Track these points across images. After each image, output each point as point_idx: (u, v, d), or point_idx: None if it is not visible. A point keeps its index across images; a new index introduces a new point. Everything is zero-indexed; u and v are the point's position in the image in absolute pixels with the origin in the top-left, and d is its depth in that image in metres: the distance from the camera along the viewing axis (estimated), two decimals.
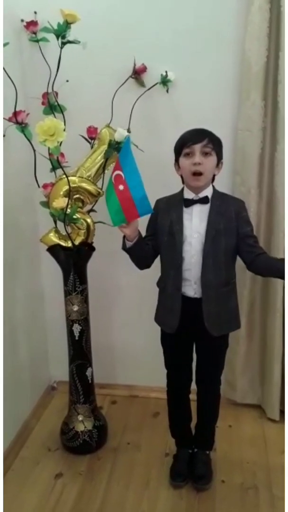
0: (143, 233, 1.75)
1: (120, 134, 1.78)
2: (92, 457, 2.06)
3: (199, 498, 1.84)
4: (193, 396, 1.93)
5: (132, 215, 1.58)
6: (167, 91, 2.01)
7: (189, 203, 1.67)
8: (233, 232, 1.66)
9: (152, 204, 1.75)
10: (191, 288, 1.69)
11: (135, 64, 1.97)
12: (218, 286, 1.68)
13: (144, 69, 1.98)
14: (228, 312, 1.75)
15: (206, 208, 1.66)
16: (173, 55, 1.99)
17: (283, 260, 1.56)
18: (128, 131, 1.77)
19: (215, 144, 1.62)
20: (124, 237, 1.68)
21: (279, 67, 1.86)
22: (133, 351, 2.45)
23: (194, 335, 1.78)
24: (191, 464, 1.93)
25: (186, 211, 1.67)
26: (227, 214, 1.66)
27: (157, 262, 1.80)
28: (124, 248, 1.71)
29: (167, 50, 2.00)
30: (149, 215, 1.66)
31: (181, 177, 1.71)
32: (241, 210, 1.69)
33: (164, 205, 1.73)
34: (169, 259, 1.71)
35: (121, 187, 1.59)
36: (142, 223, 1.73)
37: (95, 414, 2.11)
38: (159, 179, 1.89)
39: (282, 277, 1.55)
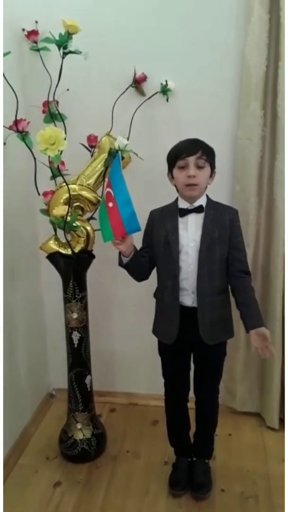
0: (139, 245, 1.76)
1: (120, 142, 1.79)
2: (91, 466, 2.05)
3: (198, 507, 1.83)
4: (191, 405, 1.93)
5: (120, 232, 1.60)
6: (167, 100, 2.02)
7: (184, 212, 1.67)
8: (227, 241, 1.67)
9: (146, 215, 1.76)
10: (189, 297, 1.69)
11: (135, 73, 1.98)
12: (213, 295, 1.68)
13: (144, 78, 2.00)
14: (222, 320, 1.74)
15: (201, 217, 1.67)
16: (173, 65, 2.01)
17: (252, 317, 1.63)
18: (118, 148, 1.78)
19: (209, 155, 1.63)
20: (119, 253, 1.69)
21: (279, 76, 1.87)
22: (132, 359, 2.44)
23: (191, 344, 1.77)
24: (191, 473, 1.92)
25: (181, 221, 1.68)
26: (221, 222, 1.66)
27: (154, 273, 1.80)
28: (120, 264, 1.72)
29: (167, 60, 2.01)
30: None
31: (175, 186, 1.71)
32: (235, 219, 1.70)
33: (159, 216, 1.74)
34: (166, 270, 1.71)
35: (110, 204, 1.61)
36: (138, 235, 1.74)
37: (94, 422, 2.10)
38: (158, 187, 1.89)
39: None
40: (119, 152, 1.74)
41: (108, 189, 1.62)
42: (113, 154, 1.82)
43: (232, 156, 2.04)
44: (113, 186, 1.60)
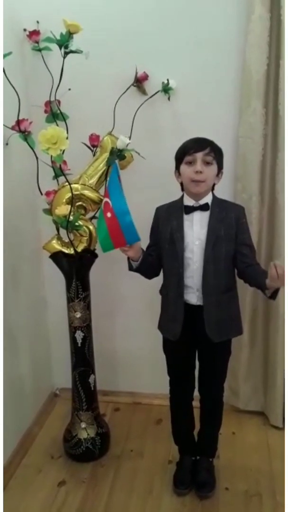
0: (145, 242, 1.77)
1: (122, 141, 1.79)
2: (95, 465, 2.06)
3: (202, 506, 1.83)
4: (196, 403, 1.93)
5: (119, 242, 1.61)
6: (169, 98, 2.02)
7: (190, 210, 1.68)
8: (233, 238, 1.67)
9: (149, 213, 1.77)
10: (194, 295, 1.70)
11: (136, 72, 1.99)
12: (219, 292, 1.68)
13: (145, 77, 2.00)
14: (229, 318, 1.75)
15: (206, 215, 1.67)
16: (175, 63, 2.01)
17: (265, 274, 1.56)
18: (121, 148, 1.78)
19: (217, 153, 1.64)
20: (128, 258, 1.71)
21: (280, 75, 1.87)
22: (136, 358, 2.45)
23: (196, 342, 1.78)
24: (194, 472, 1.93)
25: (186, 218, 1.68)
26: (227, 220, 1.67)
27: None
28: (131, 269, 1.74)
29: (169, 59, 2.01)
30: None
31: (181, 184, 1.72)
32: (241, 216, 1.70)
33: (164, 213, 1.74)
34: (171, 267, 1.72)
35: (108, 214, 1.62)
36: (145, 232, 1.75)
37: (98, 421, 2.10)
38: (160, 186, 1.91)
39: (262, 290, 1.60)
40: (116, 162, 1.74)
41: (106, 199, 1.63)
42: (115, 153, 1.82)
43: (234, 155, 2.04)
44: (110, 195, 1.61)
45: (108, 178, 1.77)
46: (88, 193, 1.84)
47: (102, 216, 1.66)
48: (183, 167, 1.64)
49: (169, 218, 1.71)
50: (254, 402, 2.34)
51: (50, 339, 2.49)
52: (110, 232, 1.62)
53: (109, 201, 1.61)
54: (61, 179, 1.82)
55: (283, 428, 2.24)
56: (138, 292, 2.26)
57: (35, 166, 1.84)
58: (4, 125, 1.77)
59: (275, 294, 1.58)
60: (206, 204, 1.67)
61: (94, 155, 1.94)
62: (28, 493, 1.91)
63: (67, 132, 1.53)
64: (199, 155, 1.60)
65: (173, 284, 1.72)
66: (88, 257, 1.93)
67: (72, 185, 1.75)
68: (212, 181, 1.67)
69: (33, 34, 1.89)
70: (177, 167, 1.69)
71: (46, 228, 2.00)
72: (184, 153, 1.63)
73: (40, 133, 1.50)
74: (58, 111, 1.88)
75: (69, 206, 1.72)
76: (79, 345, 1.99)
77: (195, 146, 1.62)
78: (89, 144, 1.94)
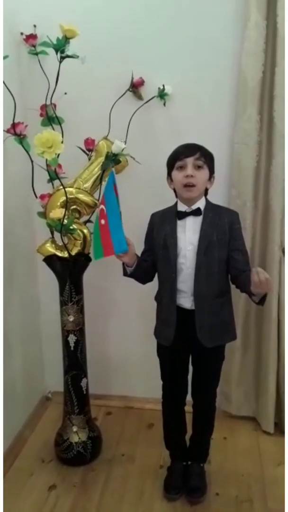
0: (139, 247, 1.77)
1: (117, 146, 1.80)
2: (86, 469, 2.05)
3: (193, 511, 1.83)
4: (188, 408, 1.93)
5: (109, 251, 1.62)
6: (164, 104, 2.03)
7: (182, 215, 1.68)
8: (226, 244, 1.67)
9: (144, 219, 1.78)
10: (189, 300, 1.70)
11: (133, 78, 1.99)
12: (211, 297, 1.69)
13: (141, 82, 2.01)
14: (222, 323, 1.75)
15: (199, 220, 1.68)
16: (171, 69, 2.02)
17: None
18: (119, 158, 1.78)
19: (207, 158, 1.65)
20: (123, 264, 1.72)
21: (275, 82, 1.89)
22: (128, 362, 2.44)
23: (190, 347, 1.78)
24: (186, 477, 1.92)
25: (179, 224, 1.69)
26: (220, 226, 1.67)
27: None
28: (125, 274, 1.75)
29: (165, 64, 2.02)
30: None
31: (174, 191, 1.73)
32: (234, 222, 1.70)
33: (159, 219, 1.75)
34: (164, 272, 1.73)
35: (102, 221, 1.63)
36: (140, 236, 1.75)
37: (89, 425, 2.10)
38: (155, 190, 1.91)
39: (250, 297, 1.59)
40: (113, 170, 1.75)
41: (102, 206, 1.64)
42: (110, 157, 1.82)
43: (229, 161, 2.05)
44: (106, 203, 1.62)
45: (103, 184, 1.78)
46: (82, 197, 1.84)
47: (97, 223, 1.67)
48: (174, 173, 1.66)
49: (163, 224, 1.72)
50: (246, 408, 2.35)
51: (42, 343, 2.48)
52: (102, 240, 1.64)
53: (105, 209, 1.62)
54: (56, 182, 1.82)
55: (274, 434, 2.24)
56: (132, 296, 2.26)
57: (30, 169, 1.84)
58: None
59: (263, 300, 1.58)
60: (198, 209, 1.68)
61: (89, 159, 1.94)
62: (19, 497, 1.90)
63: (63, 136, 1.54)
64: (190, 160, 1.61)
65: (166, 289, 1.73)
66: (82, 260, 1.93)
67: (66, 189, 1.75)
68: (203, 185, 1.67)
69: (30, 38, 1.89)
70: (169, 174, 1.70)
71: (41, 232, 2.00)
72: (175, 158, 1.65)
73: (35, 136, 1.50)
74: (54, 115, 1.88)
75: (64, 210, 1.73)
76: (72, 348, 1.99)
77: (185, 151, 1.63)
78: (84, 148, 1.95)
